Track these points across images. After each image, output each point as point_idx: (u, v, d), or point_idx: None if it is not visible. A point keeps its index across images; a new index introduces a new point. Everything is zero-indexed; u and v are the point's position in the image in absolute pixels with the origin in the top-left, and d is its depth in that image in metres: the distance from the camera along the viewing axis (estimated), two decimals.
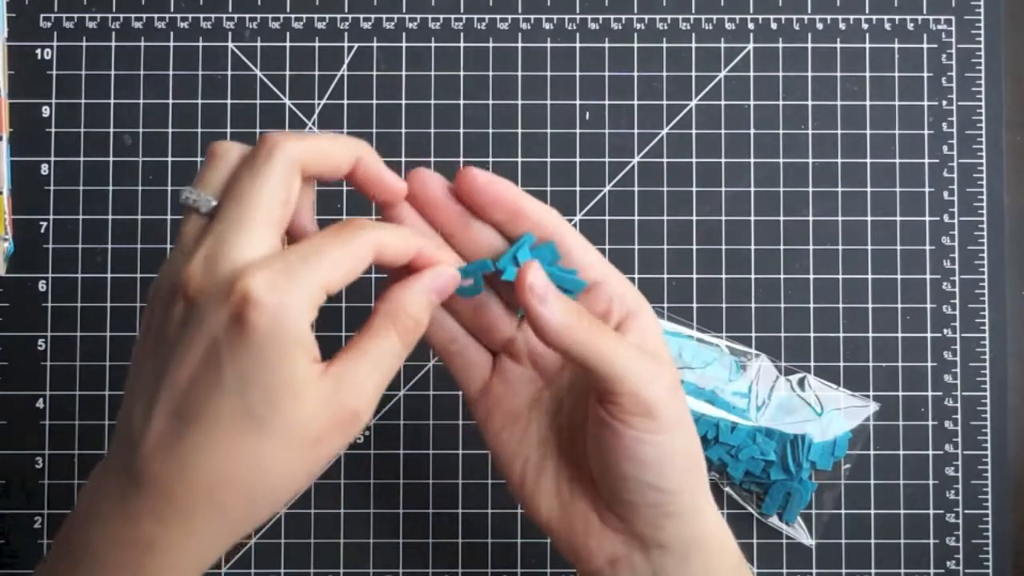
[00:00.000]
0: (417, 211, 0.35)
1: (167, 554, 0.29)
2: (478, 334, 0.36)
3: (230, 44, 0.48)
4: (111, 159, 0.47)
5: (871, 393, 0.47)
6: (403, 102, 0.48)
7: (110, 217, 0.47)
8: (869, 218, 0.48)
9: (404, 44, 0.48)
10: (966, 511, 0.47)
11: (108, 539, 0.29)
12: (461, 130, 0.48)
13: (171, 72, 0.48)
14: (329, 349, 0.30)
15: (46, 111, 0.47)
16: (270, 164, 0.30)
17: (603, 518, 0.35)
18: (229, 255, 0.29)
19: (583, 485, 0.35)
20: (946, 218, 0.48)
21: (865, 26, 0.48)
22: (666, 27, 0.48)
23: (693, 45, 0.48)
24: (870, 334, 0.47)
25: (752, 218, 0.48)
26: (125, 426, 0.30)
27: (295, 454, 0.29)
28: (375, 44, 0.48)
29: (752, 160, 0.48)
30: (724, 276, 0.47)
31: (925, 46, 0.48)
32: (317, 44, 0.48)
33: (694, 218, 0.48)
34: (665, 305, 0.47)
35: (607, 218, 0.48)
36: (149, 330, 0.31)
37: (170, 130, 0.47)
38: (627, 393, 0.32)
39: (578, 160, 0.48)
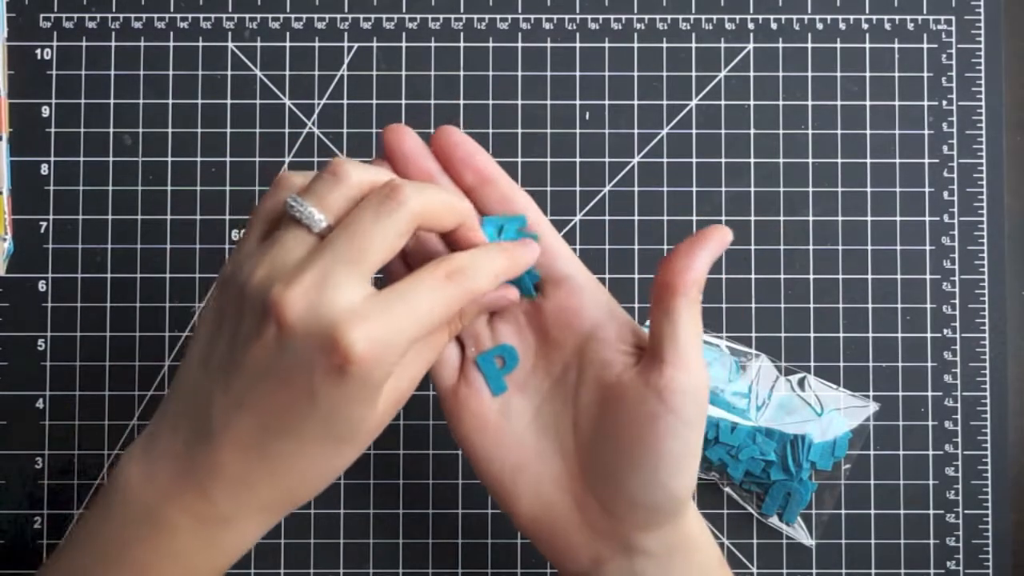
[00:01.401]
0: (392, 166, 0.35)
1: (239, 530, 0.32)
2: None
3: (230, 44, 0.48)
4: (111, 159, 0.47)
5: (871, 393, 0.47)
6: (403, 102, 0.48)
7: (110, 217, 0.47)
8: (869, 218, 0.48)
9: (404, 44, 0.48)
10: (966, 511, 0.47)
11: (180, 511, 0.31)
12: (461, 130, 0.47)
13: (171, 72, 0.48)
14: None
15: (46, 111, 0.47)
16: (397, 216, 0.30)
17: (587, 519, 0.35)
18: (335, 299, 0.29)
19: (567, 484, 0.35)
20: (946, 218, 0.48)
21: (865, 26, 0.48)
22: (666, 27, 0.48)
23: (693, 45, 0.48)
24: (870, 334, 0.47)
25: (752, 218, 0.48)
26: (193, 413, 0.32)
27: (361, 448, 0.33)
28: (375, 44, 0.48)
29: (752, 160, 0.48)
30: (724, 276, 0.47)
31: (925, 46, 0.48)
32: (317, 44, 0.48)
33: (694, 218, 0.48)
34: None
35: (607, 218, 0.48)
36: (221, 327, 0.31)
37: (170, 130, 0.47)
38: (681, 367, 0.33)
39: (578, 160, 0.48)
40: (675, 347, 0.33)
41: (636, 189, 0.48)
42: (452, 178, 0.36)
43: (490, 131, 0.48)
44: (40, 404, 0.47)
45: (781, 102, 0.48)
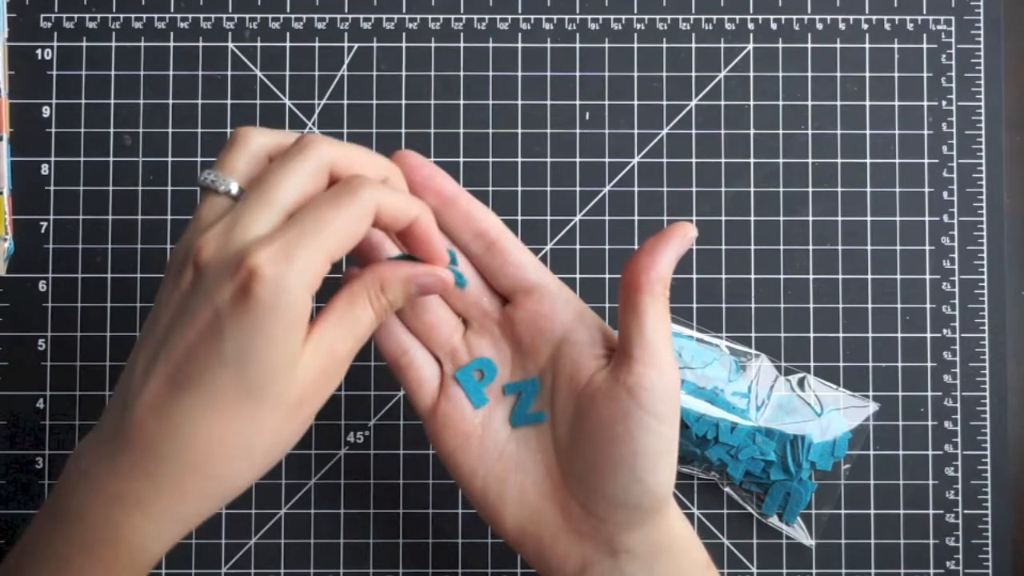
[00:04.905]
0: None
1: (152, 512, 0.30)
2: (424, 337, 0.36)
3: (230, 44, 0.48)
4: (111, 159, 0.47)
5: (871, 393, 0.47)
6: (403, 102, 0.48)
7: (110, 217, 0.47)
8: (869, 218, 0.48)
9: (404, 44, 0.48)
10: (966, 511, 0.47)
11: (94, 494, 0.30)
12: (461, 130, 0.48)
13: (171, 72, 0.48)
14: None
15: (46, 111, 0.47)
16: (300, 159, 0.31)
17: (572, 524, 0.35)
18: (243, 231, 0.30)
19: (550, 491, 0.36)
20: (946, 218, 0.48)
21: (865, 26, 0.48)
22: (666, 27, 0.48)
23: (693, 45, 0.48)
24: (870, 334, 0.47)
25: (752, 218, 0.48)
26: (123, 388, 0.31)
27: (284, 420, 0.31)
28: (375, 44, 0.48)
29: (752, 160, 0.48)
30: (724, 276, 0.47)
31: (925, 46, 0.48)
32: (317, 44, 0.48)
33: (694, 218, 0.48)
34: None
35: (607, 218, 0.48)
36: (160, 300, 0.32)
37: (170, 130, 0.47)
38: (650, 364, 0.33)
39: (578, 160, 0.48)
40: (643, 344, 0.34)
41: (636, 189, 0.48)
42: None
43: (490, 131, 0.48)
44: (40, 404, 0.47)
45: (781, 102, 0.48)
